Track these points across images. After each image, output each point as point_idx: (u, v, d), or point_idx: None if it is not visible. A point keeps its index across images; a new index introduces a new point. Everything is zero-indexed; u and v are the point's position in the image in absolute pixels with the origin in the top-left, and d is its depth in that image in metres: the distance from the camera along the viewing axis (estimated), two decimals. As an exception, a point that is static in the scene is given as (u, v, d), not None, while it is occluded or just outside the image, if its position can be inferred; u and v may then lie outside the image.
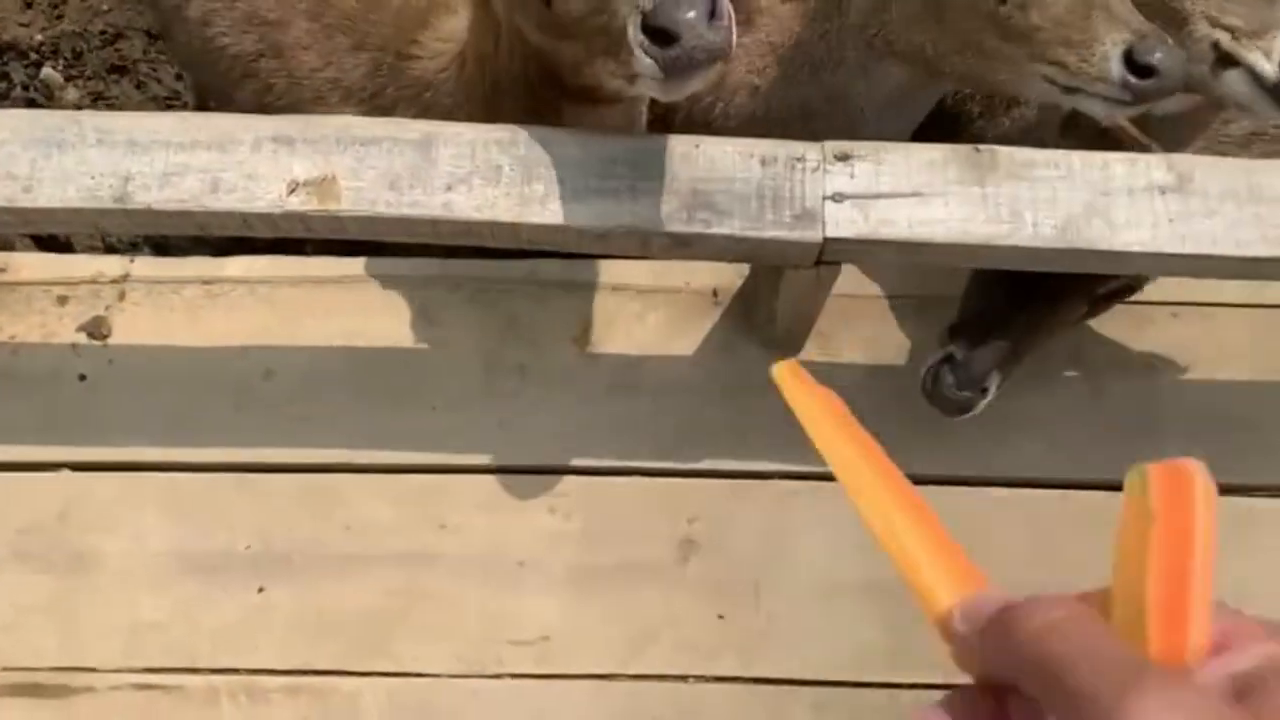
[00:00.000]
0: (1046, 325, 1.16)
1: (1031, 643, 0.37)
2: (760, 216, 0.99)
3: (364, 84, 1.19)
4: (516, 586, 1.19)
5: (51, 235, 1.87)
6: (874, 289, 1.29)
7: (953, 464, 1.23)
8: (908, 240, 0.98)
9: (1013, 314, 1.15)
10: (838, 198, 0.99)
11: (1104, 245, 0.98)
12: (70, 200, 0.97)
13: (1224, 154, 1.27)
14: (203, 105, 1.67)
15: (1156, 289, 1.30)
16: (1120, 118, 1.05)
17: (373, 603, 1.18)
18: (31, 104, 2.29)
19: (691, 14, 0.79)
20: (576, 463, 1.23)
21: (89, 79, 2.47)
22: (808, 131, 1.11)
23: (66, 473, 1.23)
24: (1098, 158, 1.00)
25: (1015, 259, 1.02)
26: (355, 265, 1.32)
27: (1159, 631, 0.37)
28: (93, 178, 0.97)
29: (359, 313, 1.29)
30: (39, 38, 2.51)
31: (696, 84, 0.86)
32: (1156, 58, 0.91)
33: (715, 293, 1.31)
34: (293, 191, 0.98)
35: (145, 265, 1.32)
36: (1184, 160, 1.01)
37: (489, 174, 0.98)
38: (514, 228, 0.99)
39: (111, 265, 1.31)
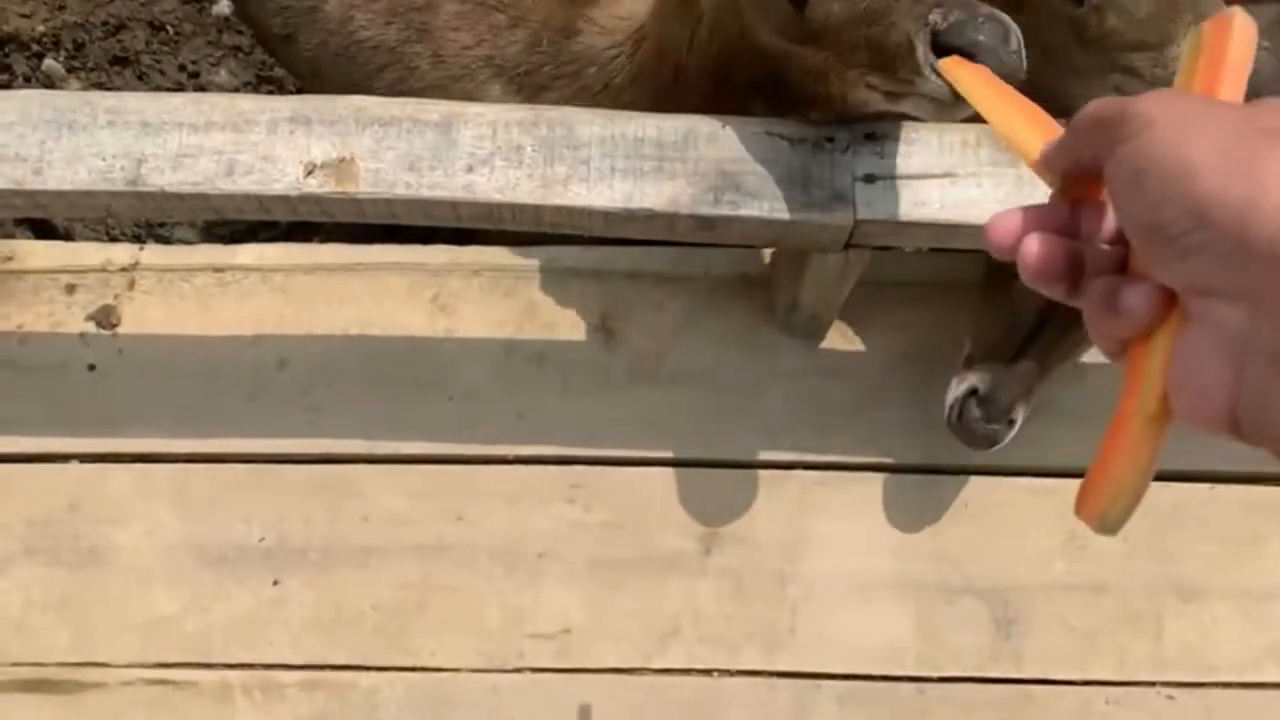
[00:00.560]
0: (1075, 337, 1.13)
1: (1081, 113, 0.47)
2: (789, 198, 0.96)
3: (519, 60, 1.16)
4: (537, 579, 1.16)
5: (51, 225, 1.85)
6: (900, 274, 1.26)
7: (983, 454, 1.20)
8: (941, 222, 0.96)
9: (1038, 331, 1.10)
10: (869, 179, 0.96)
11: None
12: (81, 183, 0.94)
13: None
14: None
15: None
16: None
17: (390, 596, 1.16)
18: (35, 94, 2.25)
19: (990, 36, 0.75)
20: (597, 453, 1.21)
21: (91, 70, 2.45)
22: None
23: (76, 464, 1.21)
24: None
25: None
26: (370, 253, 1.30)
27: None
28: (104, 159, 0.95)
29: (374, 301, 1.26)
30: (41, 29, 2.48)
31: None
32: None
33: (737, 280, 1.28)
34: (310, 173, 0.96)
35: (155, 253, 1.30)
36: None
37: (511, 155, 0.96)
38: (536, 210, 0.96)
39: (121, 253, 1.29)
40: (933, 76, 0.77)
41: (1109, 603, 1.16)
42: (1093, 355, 1.26)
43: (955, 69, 0.67)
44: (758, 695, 1.13)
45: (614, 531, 1.18)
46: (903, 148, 0.97)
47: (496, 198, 0.95)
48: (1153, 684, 1.14)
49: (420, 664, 1.13)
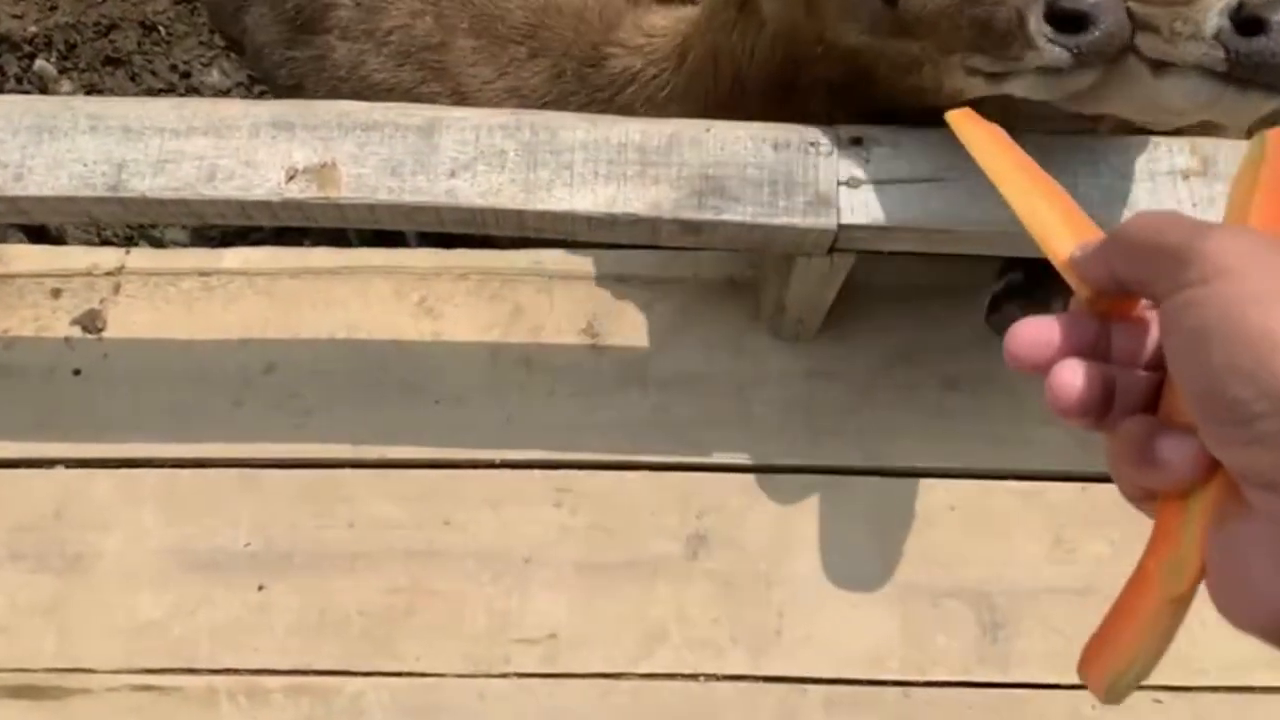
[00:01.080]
0: None
1: (1132, 228, 0.42)
2: (773, 203, 0.96)
3: (545, 90, 1.17)
4: (523, 584, 1.16)
5: (42, 227, 1.84)
6: (888, 277, 1.26)
7: (969, 456, 1.20)
8: (925, 227, 0.96)
9: None
10: (853, 183, 0.96)
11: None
12: (62, 188, 0.94)
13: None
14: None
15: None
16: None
17: (376, 601, 1.15)
18: (25, 96, 2.25)
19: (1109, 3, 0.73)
20: (583, 457, 1.21)
21: (83, 71, 2.45)
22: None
23: (62, 469, 1.21)
24: (1118, 141, 0.98)
25: (1035, 246, 0.99)
26: (356, 256, 1.29)
27: None
28: (85, 165, 0.94)
29: (361, 305, 1.26)
30: (32, 30, 2.48)
31: (1091, 78, 0.78)
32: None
33: (724, 283, 1.28)
34: (292, 178, 0.95)
35: (141, 257, 1.29)
36: (1207, 143, 0.98)
37: (493, 159, 0.96)
38: (519, 215, 0.96)
39: (106, 257, 1.29)
40: (1049, 46, 0.75)
41: (1096, 606, 1.14)
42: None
43: (965, 124, 0.60)
44: (744, 699, 1.13)
45: (601, 535, 1.18)
46: (887, 152, 0.97)
47: (479, 203, 0.95)
48: (1140, 688, 1.13)
49: (406, 669, 1.13)
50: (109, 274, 1.28)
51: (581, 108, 1.15)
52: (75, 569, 1.16)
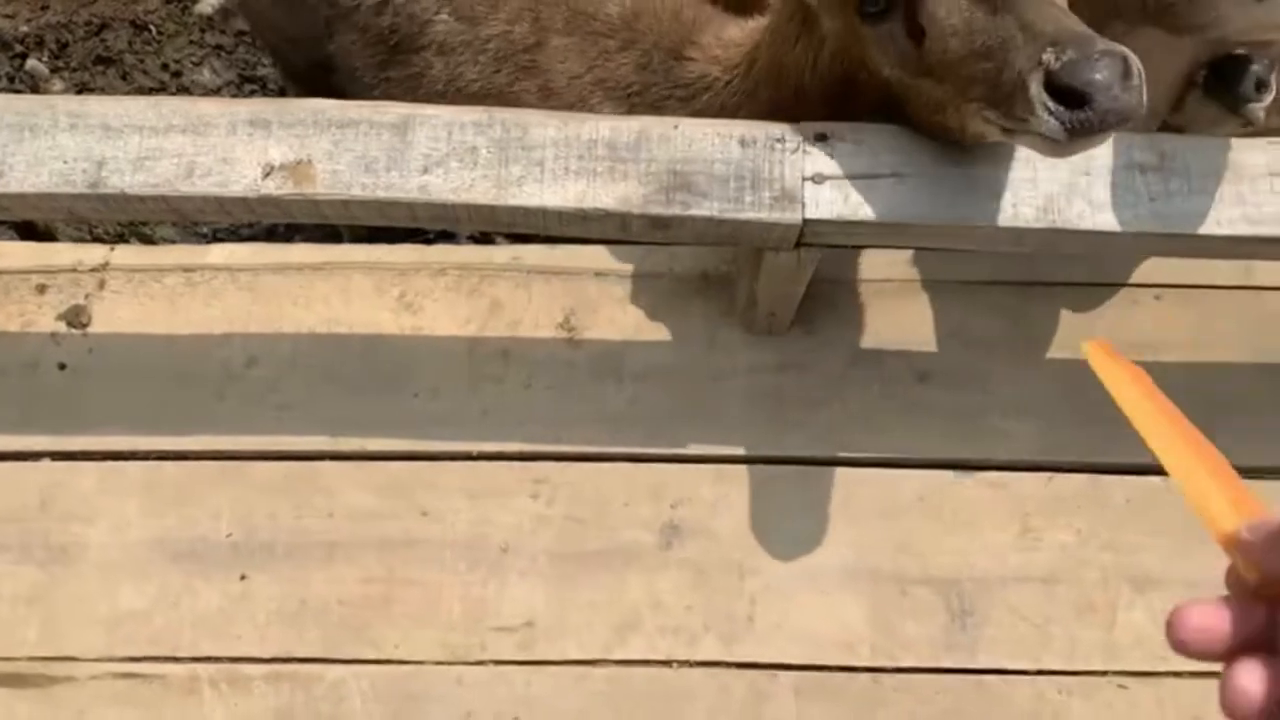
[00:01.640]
0: None
1: None
2: (739, 198, 0.98)
3: (631, 80, 1.19)
4: (500, 573, 1.18)
5: (31, 224, 1.86)
6: (857, 273, 1.28)
7: (938, 448, 1.23)
8: (887, 222, 0.98)
9: None
10: (817, 178, 0.98)
11: (1085, 226, 0.97)
12: (42, 185, 0.96)
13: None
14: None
15: (1142, 271, 1.29)
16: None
17: (355, 590, 1.17)
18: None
19: (1106, 74, 0.75)
20: (559, 448, 1.23)
21: (75, 70, 2.47)
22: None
23: (47, 462, 1.23)
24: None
25: (996, 240, 1.01)
26: (337, 252, 1.31)
27: None
28: (65, 162, 0.96)
29: (341, 300, 1.28)
30: (24, 29, 2.50)
31: (1095, 145, 0.82)
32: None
33: (698, 278, 1.30)
34: (268, 175, 0.97)
35: (125, 253, 1.31)
36: (1166, 139, 1.00)
37: (465, 156, 0.98)
38: (491, 210, 0.98)
39: (92, 253, 1.31)
40: (1046, 116, 0.77)
41: (1062, 594, 1.18)
42: (1048, 350, 1.28)
43: (1104, 361, 0.55)
44: (716, 685, 1.15)
45: (576, 526, 1.20)
46: (851, 148, 0.99)
47: (451, 198, 0.97)
48: (1105, 673, 1.16)
49: (385, 656, 1.15)
50: (94, 270, 1.30)
51: (661, 99, 1.18)
52: (59, 560, 1.18)
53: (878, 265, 1.29)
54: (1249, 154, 0.99)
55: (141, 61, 2.49)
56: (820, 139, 1.00)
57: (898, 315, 1.27)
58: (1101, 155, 1.00)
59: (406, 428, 1.23)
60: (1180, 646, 0.43)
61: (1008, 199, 0.97)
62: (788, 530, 1.20)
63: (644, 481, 1.22)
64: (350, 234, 1.70)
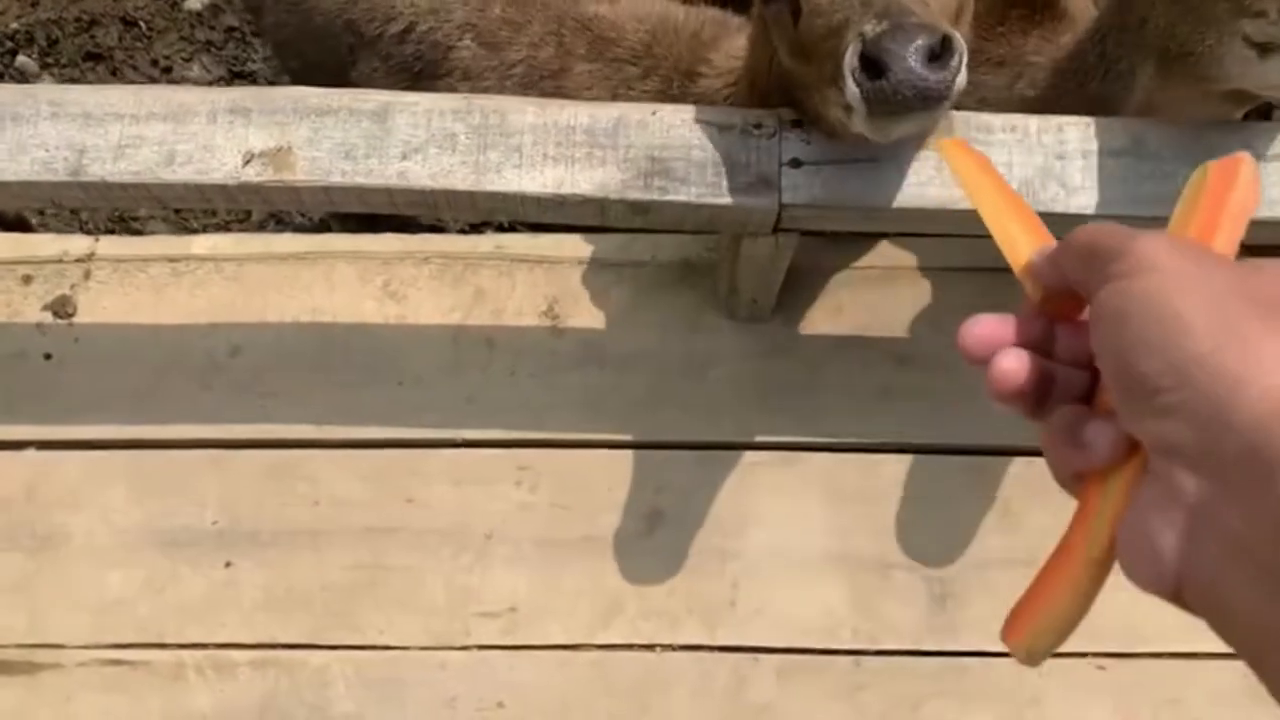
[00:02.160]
0: None
1: (1076, 235, 0.46)
2: (717, 183, 0.99)
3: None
4: (484, 559, 1.19)
5: (17, 217, 1.86)
6: (840, 259, 1.29)
7: (917, 432, 1.23)
8: (863, 206, 0.99)
9: None
10: (794, 163, 0.99)
11: (1059, 208, 0.98)
12: (23, 174, 0.96)
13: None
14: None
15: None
16: None
17: (340, 577, 1.18)
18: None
19: (909, 47, 0.74)
20: (543, 435, 1.24)
21: (64, 66, 2.47)
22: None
23: (33, 451, 1.23)
24: (1053, 121, 1.01)
25: (972, 223, 1.02)
26: (321, 241, 1.32)
27: None
28: (46, 150, 0.97)
29: (325, 289, 1.29)
30: (14, 25, 2.50)
31: (907, 127, 0.81)
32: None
33: (681, 266, 1.31)
34: (248, 162, 0.98)
35: (111, 244, 1.32)
36: (1138, 124, 1.01)
37: (444, 142, 0.98)
38: (470, 196, 0.99)
39: (77, 244, 1.31)
40: (851, 85, 0.77)
41: (1042, 576, 1.18)
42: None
43: (954, 151, 0.62)
44: (699, 668, 1.16)
45: (560, 512, 1.21)
46: (827, 134, 1.00)
47: (429, 184, 0.97)
48: (1084, 655, 1.17)
49: (369, 642, 1.16)
50: (79, 260, 1.30)
51: None
52: (45, 548, 1.19)
53: (859, 251, 1.29)
54: (1221, 137, 0.99)
55: (131, 58, 2.49)
56: (797, 125, 1.00)
57: (878, 301, 1.27)
58: (1075, 140, 1.01)
59: (391, 416, 1.23)
60: (966, 352, 0.47)
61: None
62: (769, 515, 1.21)
63: (627, 468, 1.22)
64: (340, 226, 1.71)
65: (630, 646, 1.17)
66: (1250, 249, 0.47)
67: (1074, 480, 0.46)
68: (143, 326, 1.28)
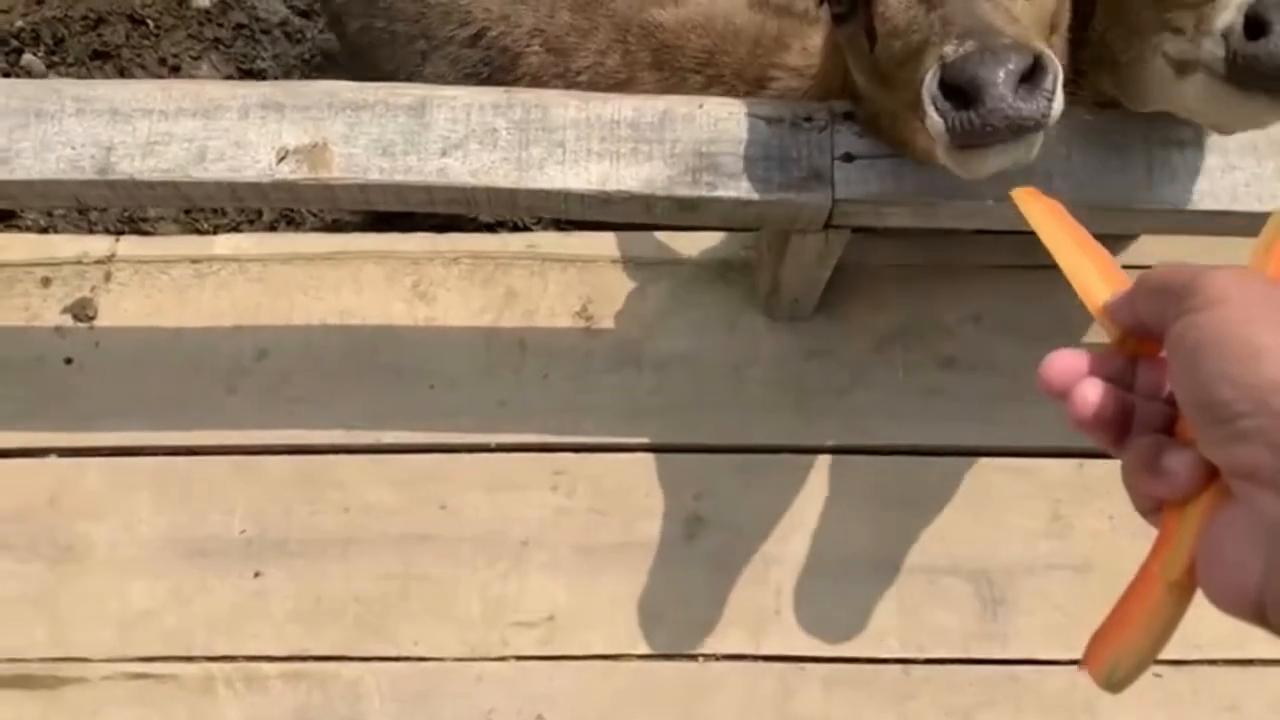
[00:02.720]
0: None
1: (1150, 274, 0.47)
2: (768, 178, 0.95)
3: None
4: (520, 567, 1.16)
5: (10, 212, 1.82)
6: (882, 256, 1.26)
7: (966, 434, 1.20)
8: (918, 200, 0.95)
9: None
10: (847, 157, 0.96)
11: (1121, 203, 0.95)
12: (49, 172, 0.93)
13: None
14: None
15: (1171, 252, 1.27)
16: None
17: (373, 586, 1.15)
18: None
19: (999, 73, 0.67)
20: (579, 439, 1.20)
21: (71, 65, 2.43)
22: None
23: (54, 458, 1.20)
24: (1116, 113, 0.97)
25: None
26: (348, 241, 1.29)
27: None
28: (73, 148, 0.94)
29: (353, 290, 1.25)
30: (20, 24, 2.46)
31: (998, 162, 0.73)
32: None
33: (719, 264, 1.27)
34: (282, 159, 0.94)
35: (131, 245, 1.28)
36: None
37: (485, 138, 0.95)
38: (512, 194, 0.95)
39: (97, 245, 1.28)
40: (934, 114, 0.70)
41: (1094, 581, 1.15)
42: (1076, 336, 1.26)
43: (1028, 201, 0.62)
44: (743, 679, 1.13)
45: (597, 518, 1.17)
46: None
47: (470, 181, 0.94)
48: (1139, 662, 1.14)
49: (403, 654, 1.12)
50: (99, 262, 1.27)
51: None
52: (68, 558, 1.15)
53: (902, 249, 1.26)
54: None
55: (139, 56, 2.46)
56: (849, 117, 0.97)
57: (922, 300, 1.24)
58: (1136, 131, 0.97)
59: (422, 420, 1.20)
60: (1046, 385, 0.49)
61: (1040, 176, 0.95)
62: (813, 520, 1.18)
63: (666, 472, 1.19)
64: (354, 225, 1.67)
65: (672, 656, 1.13)
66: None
67: (1155, 509, 0.47)
68: (165, 329, 1.24)
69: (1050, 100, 0.69)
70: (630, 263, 1.27)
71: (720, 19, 1.15)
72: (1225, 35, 0.73)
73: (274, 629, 1.13)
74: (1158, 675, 1.14)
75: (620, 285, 1.26)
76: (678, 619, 1.14)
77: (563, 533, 1.17)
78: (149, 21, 2.48)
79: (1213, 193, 0.95)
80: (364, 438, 1.20)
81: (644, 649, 1.13)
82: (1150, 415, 0.48)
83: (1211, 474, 0.43)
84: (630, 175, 0.95)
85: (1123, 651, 0.47)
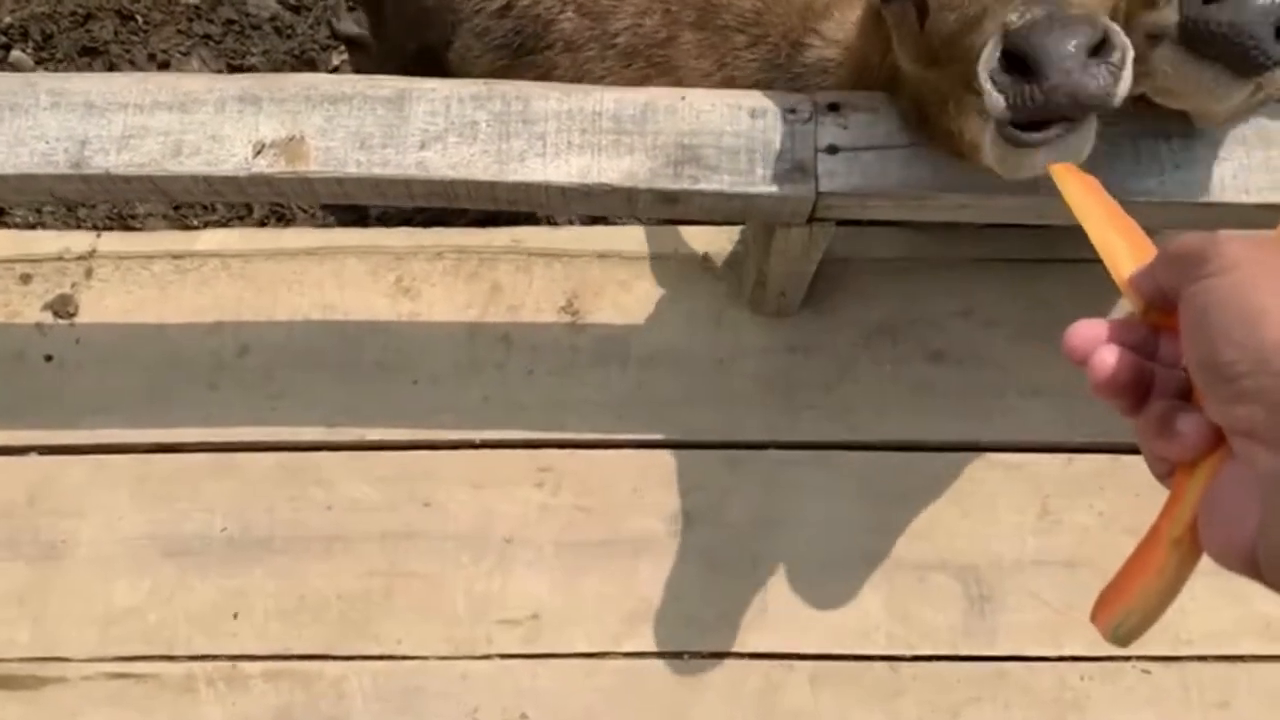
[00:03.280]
0: None
1: (1169, 244, 0.48)
2: (750, 171, 0.94)
3: (756, 77, 1.13)
4: (504, 564, 1.15)
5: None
6: (868, 250, 1.25)
7: (955, 429, 1.19)
8: (903, 193, 0.94)
9: None
10: (831, 149, 0.94)
11: (1109, 195, 0.94)
12: (23, 166, 0.92)
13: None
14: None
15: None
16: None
17: (356, 584, 1.14)
18: None
19: (1068, 43, 0.63)
20: (564, 436, 1.19)
21: (60, 61, 2.42)
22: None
23: (35, 456, 1.19)
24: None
25: (1018, 211, 0.98)
26: (331, 236, 1.28)
27: None
28: (47, 142, 0.92)
29: (336, 285, 1.24)
30: (8, 20, 2.45)
31: (1048, 157, 0.68)
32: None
33: (705, 259, 1.26)
34: (259, 153, 0.93)
35: (113, 240, 1.27)
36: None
37: (465, 131, 0.94)
38: (491, 186, 0.94)
39: (78, 241, 1.27)
40: (991, 90, 0.66)
41: (1083, 577, 1.14)
42: (1065, 329, 1.25)
43: (1064, 176, 0.61)
44: (729, 676, 1.12)
45: (582, 515, 1.16)
46: (866, 118, 0.95)
47: (450, 174, 0.93)
48: (1128, 658, 1.13)
49: (387, 652, 1.12)
50: (80, 258, 1.26)
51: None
52: (49, 556, 1.14)
53: (889, 243, 1.25)
54: (1277, 120, 0.95)
55: (128, 51, 2.44)
56: (833, 109, 0.96)
57: (909, 294, 1.23)
58: (1123, 121, 0.96)
59: (406, 416, 1.19)
60: (1070, 353, 0.50)
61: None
62: (800, 516, 1.17)
63: (652, 468, 1.18)
64: (339, 220, 1.66)
65: (658, 654, 1.12)
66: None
67: (1169, 472, 0.48)
68: (147, 326, 1.23)
69: (1118, 77, 0.66)
70: (615, 258, 1.26)
71: None
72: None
73: (256, 628, 1.12)
74: (1147, 672, 1.13)
75: (605, 280, 1.25)
76: (663, 616, 1.13)
77: (547, 530, 1.16)
78: (138, 17, 2.46)
79: (1200, 183, 0.94)
80: (347, 434, 1.19)
81: (629, 646, 1.12)
82: (1169, 383, 0.49)
83: (1220, 437, 0.45)
84: (612, 168, 0.94)
85: (1129, 607, 0.48)
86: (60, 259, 1.25)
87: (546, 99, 0.95)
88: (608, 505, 1.17)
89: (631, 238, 1.26)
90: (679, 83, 1.17)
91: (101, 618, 1.12)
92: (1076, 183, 0.60)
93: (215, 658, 1.11)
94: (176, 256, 1.26)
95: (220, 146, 0.93)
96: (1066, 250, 1.23)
